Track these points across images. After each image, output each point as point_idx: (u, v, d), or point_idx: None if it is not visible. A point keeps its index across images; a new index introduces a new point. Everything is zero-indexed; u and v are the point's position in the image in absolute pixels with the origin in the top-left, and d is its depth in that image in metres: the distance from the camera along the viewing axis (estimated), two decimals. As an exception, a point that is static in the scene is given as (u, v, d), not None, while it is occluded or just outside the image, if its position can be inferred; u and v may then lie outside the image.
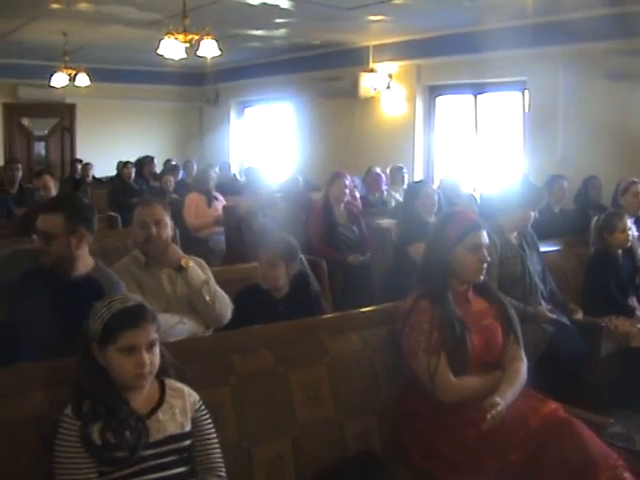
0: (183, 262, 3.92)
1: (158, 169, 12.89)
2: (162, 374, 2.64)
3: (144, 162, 12.14)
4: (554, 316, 4.71)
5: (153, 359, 2.53)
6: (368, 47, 12.03)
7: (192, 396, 2.65)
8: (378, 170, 10.02)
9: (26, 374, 2.71)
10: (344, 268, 6.85)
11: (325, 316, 3.88)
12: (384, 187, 9.91)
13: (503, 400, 3.12)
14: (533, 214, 4.89)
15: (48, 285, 3.43)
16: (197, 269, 3.98)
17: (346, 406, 3.24)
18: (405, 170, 10.00)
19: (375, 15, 9.71)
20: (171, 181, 11.06)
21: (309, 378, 3.17)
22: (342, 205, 7.42)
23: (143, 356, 2.49)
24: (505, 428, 3.06)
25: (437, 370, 3.20)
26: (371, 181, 9.94)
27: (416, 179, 10.52)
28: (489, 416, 3.03)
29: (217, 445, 2.65)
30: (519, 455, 3.02)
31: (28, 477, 2.51)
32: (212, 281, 3.99)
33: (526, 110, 10.11)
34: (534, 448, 3.01)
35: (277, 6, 9.19)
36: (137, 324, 2.50)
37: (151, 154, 12.84)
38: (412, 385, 3.33)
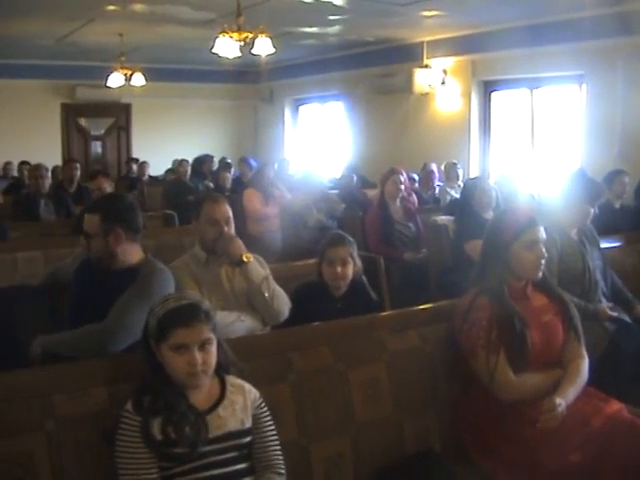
0: (245, 257, 3.93)
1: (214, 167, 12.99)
2: (222, 371, 2.65)
3: (204, 160, 12.06)
4: (615, 314, 4.62)
5: (207, 358, 2.53)
6: (422, 43, 11.97)
7: (252, 393, 2.66)
8: (433, 167, 9.98)
9: (88, 370, 2.74)
10: (401, 265, 6.82)
11: (384, 313, 3.86)
12: (438, 184, 9.88)
13: (564, 399, 3.07)
14: (592, 210, 4.81)
15: (91, 274, 3.62)
16: (257, 265, 3.99)
17: (405, 404, 3.23)
18: (459, 166, 9.94)
19: (429, 10, 9.64)
20: (228, 178, 11.11)
21: (368, 376, 3.16)
22: (398, 201, 7.41)
23: (195, 355, 2.49)
24: (566, 428, 3.01)
25: (496, 368, 3.16)
26: (423, 178, 9.91)
27: (472, 175, 10.43)
28: (545, 417, 2.99)
29: (277, 442, 2.65)
30: (580, 456, 2.97)
31: (90, 470, 2.55)
32: (271, 278, 3.99)
33: (584, 104, 9.96)
34: (596, 449, 2.96)
35: (331, 3, 9.19)
36: (189, 323, 2.50)
37: (206, 152, 12.92)
38: (471, 383, 3.30)
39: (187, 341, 2.49)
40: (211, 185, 11.30)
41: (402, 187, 7.43)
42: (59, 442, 2.51)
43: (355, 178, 10.12)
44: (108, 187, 6.67)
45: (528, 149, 11.01)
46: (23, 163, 12.31)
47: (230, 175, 11.45)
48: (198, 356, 2.50)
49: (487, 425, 3.21)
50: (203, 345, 2.52)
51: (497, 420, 3.18)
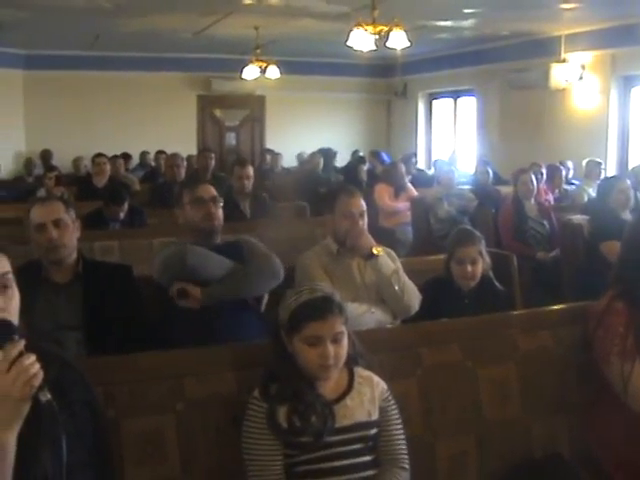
0: (375, 250, 3.92)
1: (345, 161, 13.06)
2: (351, 362, 2.65)
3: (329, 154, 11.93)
4: None
5: (339, 351, 2.53)
6: (560, 36, 11.62)
7: (381, 385, 2.65)
8: (568, 164, 9.78)
9: (217, 355, 2.82)
10: (533, 264, 6.71)
11: (516, 312, 3.79)
12: (574, 182, 9.65)
13: None
14: None
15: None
16: (387, 258, 3.97)
17: (534, 406, 3.15)
18: (603, 165, 9.61)
19: (568, 3, 9.37)
20: (364, 171, 11.12)
21: (497, 375, 3.10)
22: (532, 199, 7.30)
23: (327, 348, 2.49)
24: None
25: (631, 377, 3.01)
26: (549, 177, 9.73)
27: (609, 174, 10.11)
28: None
29: (403, 437, 2.63)
30: None
31: (216, 452, 2.63)
32: (401, 271, 3.96)
33: None
34: None
35: (466, -4, 9.10)
36: (322, 316, 2.51)
37: (338, 145, 12.96)
38: (604, 390, 3.17)
39: (320, 334, 2.50)
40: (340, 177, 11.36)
41: (534, 184, 7.33)
42: (188, 423, 2.60)
43: (490, 174, 10.00)
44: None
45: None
46: (160, 152, 12.68)
47: (365, 168, 11.44)
48: (331, 349, 2.50)
49: (620, 435, 3.07)
50: (335, 338, 2.52)
51: (631, 431, 3.03)
